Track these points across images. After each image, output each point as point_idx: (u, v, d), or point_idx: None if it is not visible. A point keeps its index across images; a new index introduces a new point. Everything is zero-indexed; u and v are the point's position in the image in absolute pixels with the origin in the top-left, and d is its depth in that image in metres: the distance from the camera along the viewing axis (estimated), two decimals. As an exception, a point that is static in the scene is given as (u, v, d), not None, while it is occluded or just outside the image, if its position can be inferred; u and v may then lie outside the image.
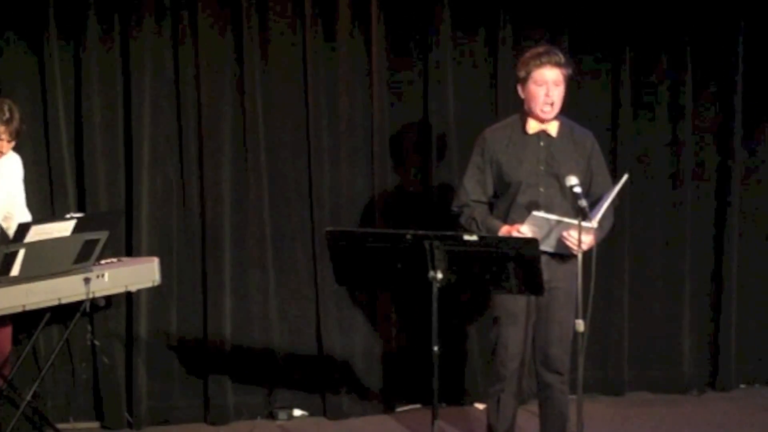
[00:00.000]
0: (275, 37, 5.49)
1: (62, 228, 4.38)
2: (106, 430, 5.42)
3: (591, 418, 5.17)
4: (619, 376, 5.92)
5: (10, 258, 4.26)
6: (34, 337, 5.05)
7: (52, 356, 5.04)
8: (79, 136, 5.33)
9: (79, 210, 5.19)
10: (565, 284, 4.33)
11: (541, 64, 4.33)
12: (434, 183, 5.67)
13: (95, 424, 5.45)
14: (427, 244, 3.80)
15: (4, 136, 4.60)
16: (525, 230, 4.20)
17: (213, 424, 5.47)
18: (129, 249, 5.35)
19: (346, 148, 5.60)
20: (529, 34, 5.63)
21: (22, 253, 4.27)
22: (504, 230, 4.30)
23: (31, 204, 4.97)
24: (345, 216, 5.60)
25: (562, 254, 4.29)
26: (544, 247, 4.14)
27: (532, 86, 4.35)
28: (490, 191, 4.50)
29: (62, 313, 4.90)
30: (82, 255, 4.48)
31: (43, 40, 5.23)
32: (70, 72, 5.30)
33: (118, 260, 4.92)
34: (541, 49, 4.41)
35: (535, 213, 4.18)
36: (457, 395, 5.69)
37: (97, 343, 5.36)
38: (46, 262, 4.35)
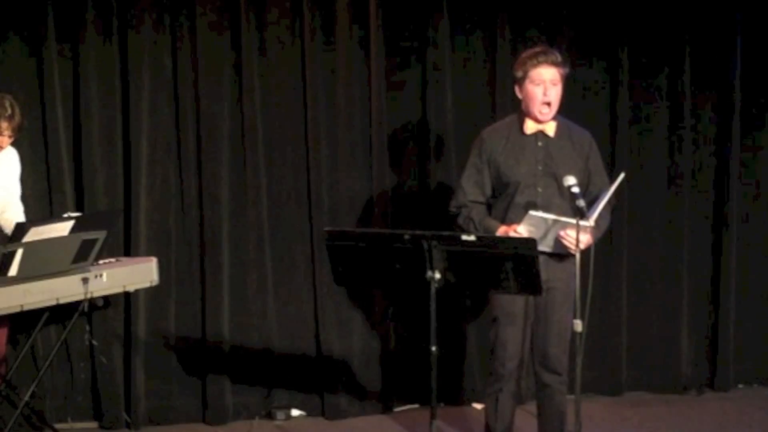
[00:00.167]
0: (273, 38, 5.49)
1: (60, 228, 4.37)
2: (105, 430, 5.42)
3: (589, 418, 5.18)
4: (617, 376, 5.92)
5: (8, 258, 4.26)
6: (32, 337, 5.06)
7: (51, 356, 5.05)
8: (77, 136, 5.33)
9: (77, 210, 5.19)
10: (564, 284, 4.33)
11: (538, 64, 4.33)
12: (432, 183, 5.67)
13: (93, 424, 5.46)
14: (425, 244, 3.80)
15: (6, 132, 4.61)
16: (522, 230, 4.20)
17: (211, 424, 5.47)
18: (127, 249, 5.35)
19: (345, 148, 5.60)
20: (528, 35, 5.63)
21: (20, 253, 4.26)
22: (501, 230, 4.30)
23: (29, 204, 4.97)
24: (343, 216, 5.60)
25: (560, 254, 4.29)
26: (541, 247, 4.14)
27: (529, 86, 4.35)
28: (488, 192, 4.49)
29: (60, 313, 4.91)
30: (81, 255, 4.48)
31: (42, 39, 5.22)
32: (69, 72, 5.30)
33: (117, 260, 4.92)
34: (538, 49, 4.42)
35: (532, 212, 4.18)
36: (455, 395, 5.69)
37: (95, 343, 5.36)
38: (44, 262, 4.35)
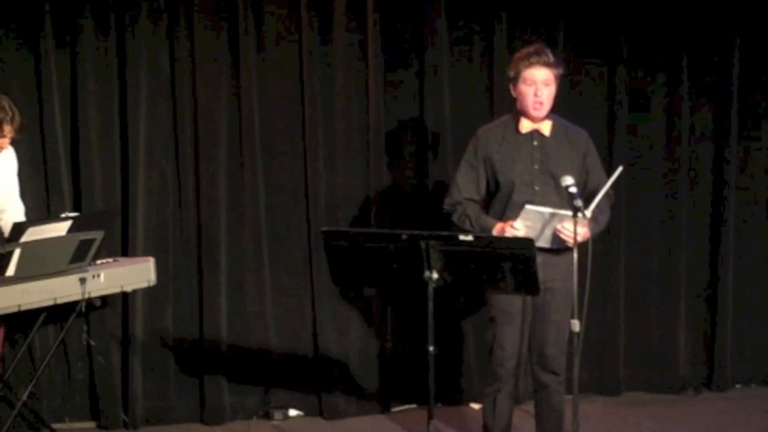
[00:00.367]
0: (271, 37, 5.49)
1: (58, 228, 4.37)
2: (102, 430, 5.42)
3: (587, 418, 5.19)
4: (615, 376, 5.92)
5: (6, 258, 4.25)
6: (29, 338, 5.05)
7: (48, 356, 5.05)
8: (74, 136, 5.32)
9: (74, 210, 5.18)
10: (561, 284, 4.33)
11: (531, 64, 4.33)
12: (430, 182, 5.67)
13: (91, 424, 5.45)
14: (422, 243, 3.81)
15: (9, 135, 4.60)
16: (519, 225, 4.20)
17: (208, 424, 5.47)
18: (125, 249, 5.35)
19: (342, 148, 5.60)
20: (525, 34, 5.63)
21: (17, 252, 4.26)
22: (498, 227, 4.31)
23: (27, 204, 4.96)
24: (341, 215, 5.60)
25: (558, 251, 4.29)
26: (539, 243, 4.14)
27: (522, 86, 4.36)
28: (483, 190, 4.50)
29: (58, 313, 4.90)
30: (78, 255, 4.48)
31: (39, 39, 5.21)
32: (66, 71, 5.29)
33: (114, 260, 4.91)
34: (531, 49, 4.41)
35: (528, 207, 4.18)
36: (452, 395, 5.69)
37: (92, 343, 5.35)
38: (42, 262, 4.35)
